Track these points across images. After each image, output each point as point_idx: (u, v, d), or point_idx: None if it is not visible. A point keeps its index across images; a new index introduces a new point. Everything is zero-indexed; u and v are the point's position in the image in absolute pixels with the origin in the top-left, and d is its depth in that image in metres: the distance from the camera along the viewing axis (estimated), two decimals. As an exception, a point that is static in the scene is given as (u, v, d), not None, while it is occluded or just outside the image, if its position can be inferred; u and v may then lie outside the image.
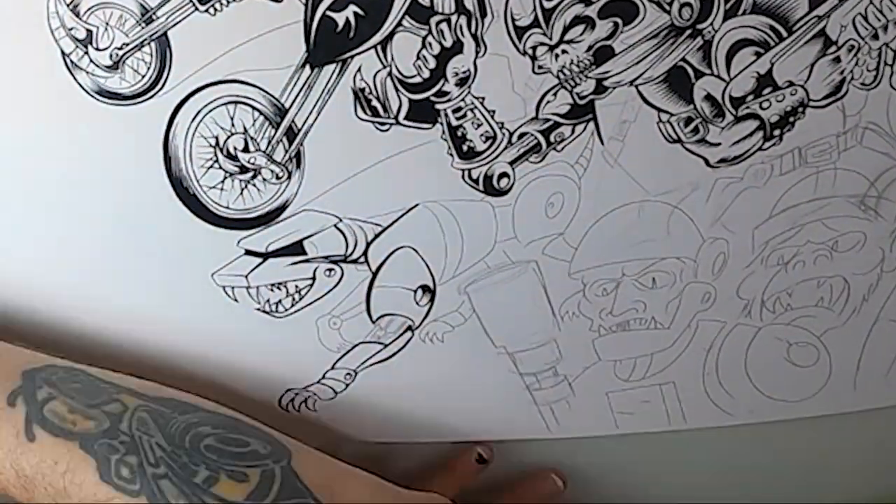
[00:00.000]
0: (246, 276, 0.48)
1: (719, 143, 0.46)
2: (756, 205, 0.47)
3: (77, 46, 0.42)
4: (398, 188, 0.47)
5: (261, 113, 0.45)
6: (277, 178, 0.46)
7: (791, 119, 0.45)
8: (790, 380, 0.53)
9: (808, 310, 0.50)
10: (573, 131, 0.47)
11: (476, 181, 0.48)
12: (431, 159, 0.46)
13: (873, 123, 0.46)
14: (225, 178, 0.46)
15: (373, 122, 0.46)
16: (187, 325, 0.49)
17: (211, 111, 0.44)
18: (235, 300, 0.48)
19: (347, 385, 0.51)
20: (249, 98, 0.44)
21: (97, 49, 0.43)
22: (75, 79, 0.43)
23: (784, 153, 0.46)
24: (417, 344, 0.51)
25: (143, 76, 0.43)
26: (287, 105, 0.45)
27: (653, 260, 0.49)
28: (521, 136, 0.47)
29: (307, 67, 0.44)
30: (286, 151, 0.46)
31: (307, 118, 0.45)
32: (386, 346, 0.50)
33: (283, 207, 0.47)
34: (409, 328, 0.50)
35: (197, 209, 0.46)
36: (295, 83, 0.44)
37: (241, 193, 0.46)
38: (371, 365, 0.51)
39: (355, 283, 0.49)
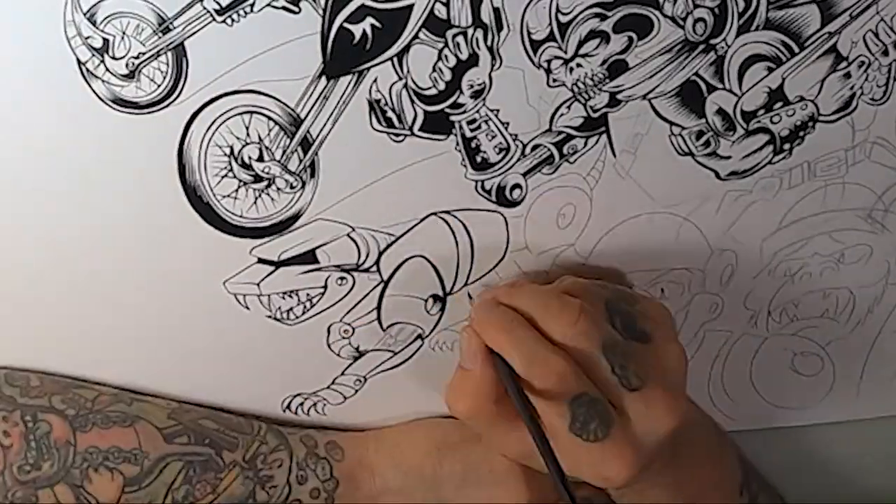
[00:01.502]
0: (258, 284, 0.48)
1: (730, 157, 0.47)
2: (765, 217, 0.48)
3: (93, 55, 0.42)
4: (411, 198, 0.47)
5: (276, 123, 0.45)
6: (291, 187, 0.46)
7: (801, 133, 0.46)
8: (794, 388, 0.53)
9: (813, 320, 0.51)
10: (586, 144, 0.47)
11: (489, 192, 0.48)
12: (445, 170, 0.47)
13: (882, 138, 0.46)
14: (239, 186, 0.46)
15: (387, 133, 0.46)
16: (197, 331, 0.49)
17: (226, 121, 0.44)
18: (247, 308, 0.48)
19: (357, 391, 0.52)
20: (265, 108, 0.44)
21: (113, 58, 0.42)
22: (91, 87, 0.43)
23: (793, 167, 0.47)
24: (427, 352, 0.51)
25: (159, 85, 0.43)
26: (303, 115, 0.45)
27: (662, 270, 0.50)
28: (535, 147, 0.47)
29: (323, 78, 0.44)
30: (301, 161, 0.46)
31: (322, 128, 0.45)
32: (396, 353, 0.51)
33: (296, 216, 0.47)
34: (420, 336, 0.51)
35: (210, 218, 0.46)
36: (311, 94, 0.44)
37: (255, 202, 0.46)
38: (381, 372, 0.51)
39: (367, 291, 0.49)
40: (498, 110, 0.46)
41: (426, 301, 0.50)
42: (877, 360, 0.52)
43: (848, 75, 0.45)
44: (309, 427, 0.52)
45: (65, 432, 0.47)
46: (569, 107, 0.46)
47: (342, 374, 0.51)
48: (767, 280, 0.49)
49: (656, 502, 0.49)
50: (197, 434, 0.49)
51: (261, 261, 0.47)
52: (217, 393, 0.51)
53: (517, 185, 0.48)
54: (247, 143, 0.45)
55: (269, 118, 0.45)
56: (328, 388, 0.51)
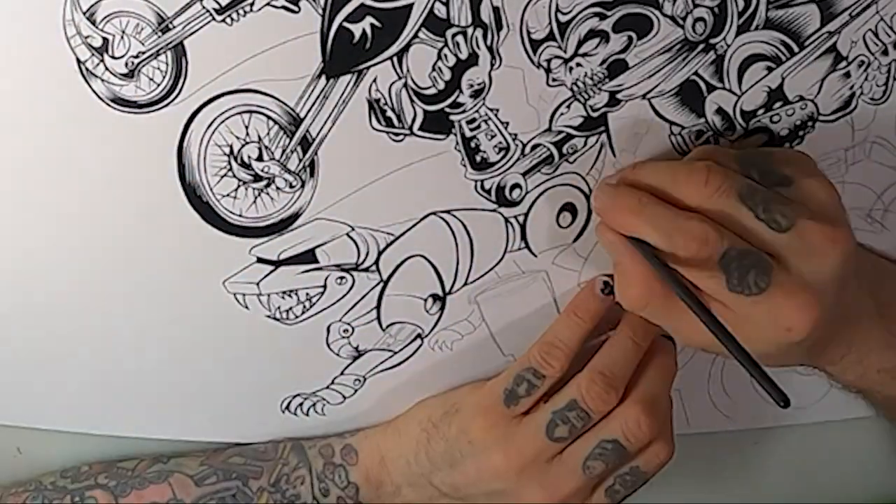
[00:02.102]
0: (257, 284, 0.48)
1: None
2: None
3: (93, 54, 0.42)
4: (411, 198, 0.47)
5: (276, 122, 0.44)
6: (291, 186, 0.46)
7: (800, 133, 0.46)
8: (794, 387, 0.52)
9: None
10: (585, 143, 0.47)
11: (488, 192, 0.48)
12: (445, 170, 0.47)
13: (881, 138, 0.47)
14: (238, 186, 0.45)
15: (387, 133, 0.46)
16: (197, 331, 0.49)
17: (226, 120, 0.44)
18: (246, 307, 0.48)
19: (356, 391, 0.52)
20: (264, 107, 0.44)
21: (113, 57, 0.42)
22: (90, 86, 0.42)
23: None
24: (426, 352, 0.51)
25: (159, 85, 0.43)
26: (302, 115, 0.44)
27: None
28: (534, 147, 0.47)
29: (323, 78, 0.44)
30: (300, 160, 0.46)
31: (322, 128, 0.45)
32: (395, 353, 0.51)
33: (296, 216, 0.47)
34: (419, 336, 0.51)
35: (210, 217, 0.46)
36: (310, 93, 0.44)
37: (255, 202, 0.46)
38: (380, 371, 0.51)
39: (366, 291, 0.49)
40: (497, 110, 0.46)
41: (425, 300, 0.50)
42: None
43: (847, 75, 0.45)
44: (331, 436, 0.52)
45: (107, 500, 0.49)
46: (568, 106, 0.46)
47: (341, 373, 0.51)
48: (767, 280, 0.50)
49: (883, 366, 0.46)
50: (224, 472, 0.50)
51: (260, 260, 0.47)
52: (216, 394, 0.51)
53: (517, 185, 0.48)
54: (246, 143, 0.45)
55: (269, 117, 0.44)
56: (327, 388, 0.51)
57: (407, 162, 0.46)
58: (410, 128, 0.46)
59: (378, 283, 0.49)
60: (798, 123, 0.46)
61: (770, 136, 0.46)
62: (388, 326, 0.50)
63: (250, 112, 0.44)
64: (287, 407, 0.52)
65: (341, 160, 0.46)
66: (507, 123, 0.46)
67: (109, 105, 0.43)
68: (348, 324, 0.49)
